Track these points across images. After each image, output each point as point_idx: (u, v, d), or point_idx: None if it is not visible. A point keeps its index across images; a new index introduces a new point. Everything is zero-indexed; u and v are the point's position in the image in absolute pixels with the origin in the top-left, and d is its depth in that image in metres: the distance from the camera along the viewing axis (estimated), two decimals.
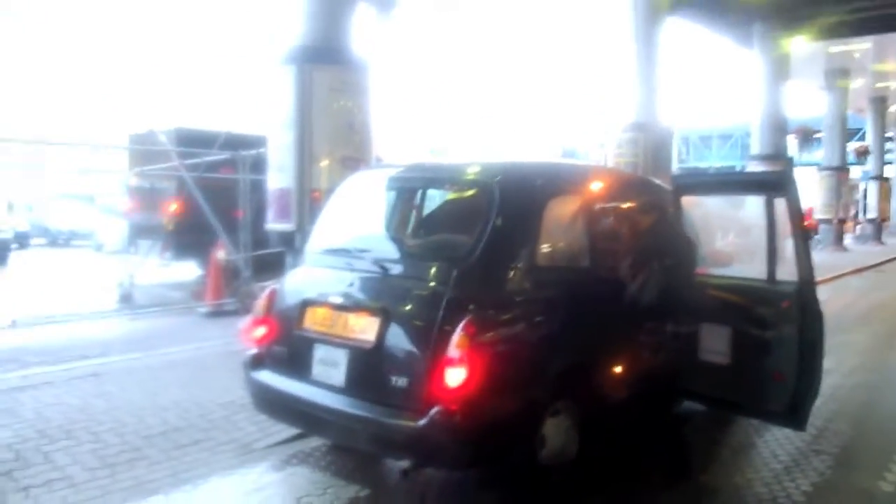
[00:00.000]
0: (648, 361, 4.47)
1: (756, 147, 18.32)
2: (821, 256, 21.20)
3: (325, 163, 7.48)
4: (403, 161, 5.48)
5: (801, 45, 19.17)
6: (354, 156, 7.52)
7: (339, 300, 3.97)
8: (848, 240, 27.05)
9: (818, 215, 25.44)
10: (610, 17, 12.82)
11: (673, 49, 13.24)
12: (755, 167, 17.71)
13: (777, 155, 17.85)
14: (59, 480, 4.07)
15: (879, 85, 27.99)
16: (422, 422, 3.45)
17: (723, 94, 29.24)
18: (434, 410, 3.44)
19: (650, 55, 12.18)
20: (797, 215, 4.29)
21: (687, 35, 19.67)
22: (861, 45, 22.06)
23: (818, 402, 4.56)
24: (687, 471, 4.49)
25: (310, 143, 7.45)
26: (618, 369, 4.23)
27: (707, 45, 23.69)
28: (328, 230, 4.57)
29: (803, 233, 4.32)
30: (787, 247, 4.45)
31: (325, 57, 7.53)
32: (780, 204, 4.41)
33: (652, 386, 4.48)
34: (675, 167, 30.37)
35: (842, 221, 25.62)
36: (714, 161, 39.59)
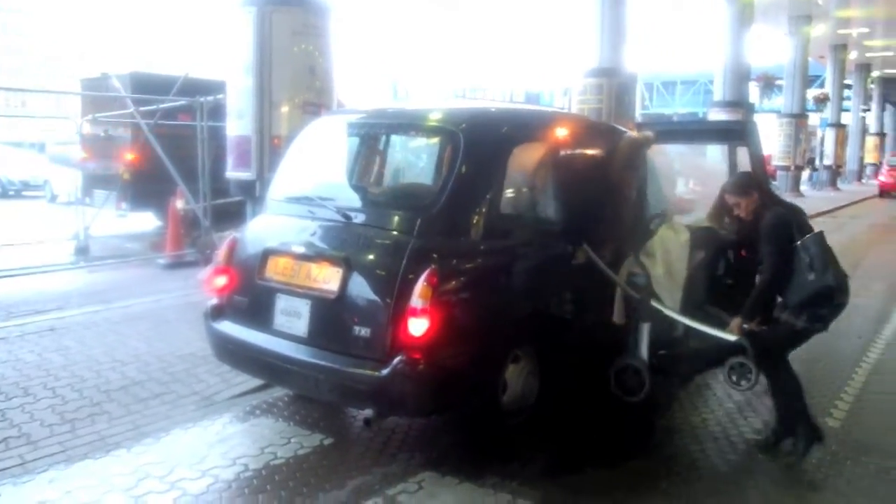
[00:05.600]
0: (609, 308, 4.48)
1: (718, 94, 18.38)
2: None
3: (285, 109, 7.30)
4: (366, 107, 5.35)
5: None
6: (315, 101, 7.36)
7: (301, 249, 3.92)
8: (804, 186, 27.51)
9: (777, 162, 25.75)
10: None
11: None
12: (717, 114, 17.79)
13: (739, 102, 17.93)
14: (16, 438, 3.99)
15: (841, 31, 28.13)
16: (385, 371, 3.46)
17: (687, 40, 29.17)
18: (397, 360, 3.46)
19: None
20: (758, 164, 4.31)
21: None
22: None
23: None
24: (645, 413, 4.58)
25: (269, 88, 7.26)
26: (578, 316, 4.25)
27: None
28: (290, 177, 4.48)
29: (764, 181, 4.35)
30: None
31: None
32: (743, 152, 4.43)
33: (612, 332, 4.50)
34: (639, 113, 30.43)
35: (799, 168, 25.97)
36: (677, 107, 39.71)
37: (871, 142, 39.37)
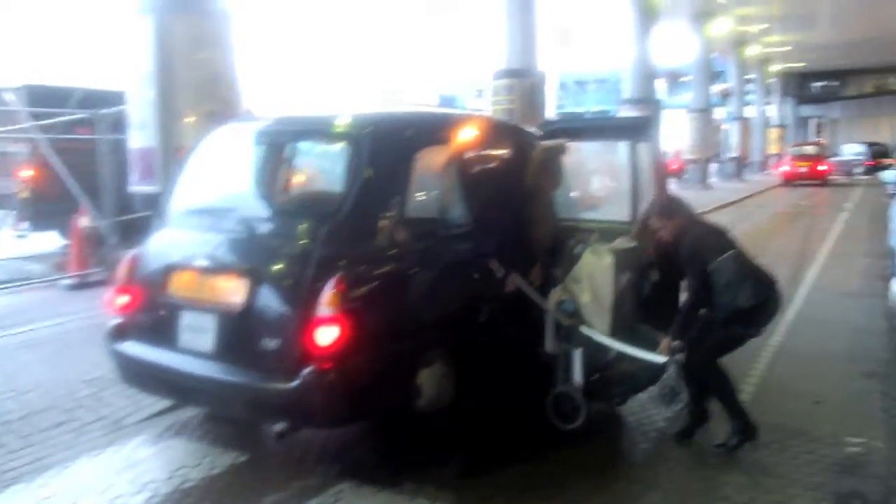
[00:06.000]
0: (521, 309, 4.50)
1: (627, 91, 18.91)
2: (688, 195, 22.21)
3: (190, 119, 7.10)
4: (270, 114, 5.25)
5: None
6: (221, 110, 7.18)
7: (204, 263, 3.82)
8: (713, 178, 28.44)
9: (687, 155, 26.62)
10: None
11: None
12: (627, 111, 18.29)
13: (646, 98, 18.48)
14: None
15: (741, 28, 29.35)
16: (295, 383, 3.41)
17: (598, 39, 29.87)
18: (307, 370, 3.41)
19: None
20: (656, 158, 4.42)
21: None
22: None
23: None
24: None
25: (172, 98, 7.05)
26: (491, 317, 4.26)
27: None
28: (191, 189, 4.36)
29: (662, 175, 4.46)
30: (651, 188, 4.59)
31: (185, 5, 7.11)
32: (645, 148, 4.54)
33: (525, 332, 4.52)
34: (555, 112, 31.00)
35: (708, 161, 26.81)
36: (591, 105, 40.66)
37: (773, 133, 41.23)
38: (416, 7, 24.88)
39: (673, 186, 25.18)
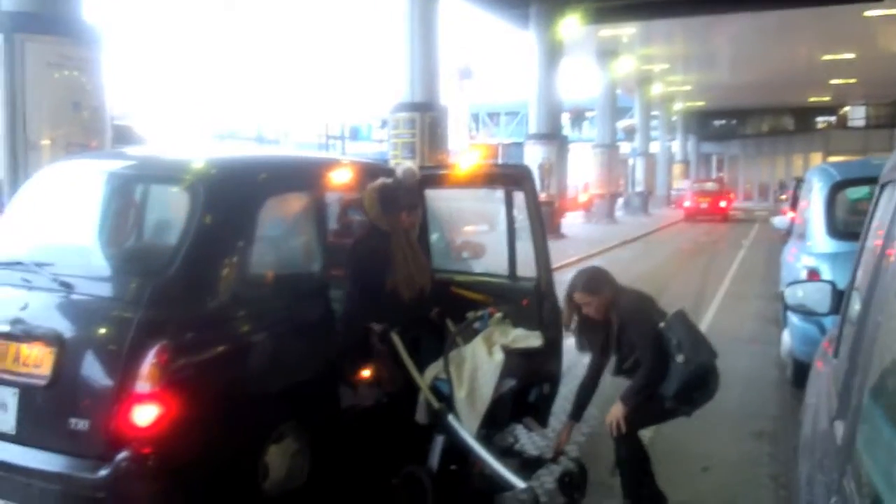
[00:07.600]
0: (391, 372, 4.08)
1: (533, 126, 19.00)
2: (594, 229, 22.53)
3: (46, 148, 6.47)
4: (112, 151, 4.72)
5: (575, 28, 20.02)
6: (82, 141, 6.58)
7: (6, 327, 3.23)
8: (619, 212, 28.88)
9: (593, 190, 27.05)
10: None
11: (454, 27, 13.17)
12: (533, 146, 18.36)
13: (552, 133, 18.62)
14: None
15: (645, 67, 30.30)
16: (105, 471, 2.90)
17: (508, 72, 30.27)
18: (121, 456, 2.91)
19: (427, 35, 12.02)
20: (535, 210, 4.13)
21: (467, 15, 19.92)
22: (628, 30, 23.61)
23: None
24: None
25: (23, 125, 6.40)
26: (354, 384, 3.83)
27: (486, 24, 24.17)
28: (6, 237, 3.77)
29: (542, 228, 4.16)
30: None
31: (40, 26, 6.51)
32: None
33: (395, 398, 4.10)
34: (467, 143, 31.10)
35: (613, 196, 27.22)
36: (502, 137, 41.17)
37: (677, 168, 42.72)
38: (320, 38, 24.67)
39: (580, 220, 25.56)
